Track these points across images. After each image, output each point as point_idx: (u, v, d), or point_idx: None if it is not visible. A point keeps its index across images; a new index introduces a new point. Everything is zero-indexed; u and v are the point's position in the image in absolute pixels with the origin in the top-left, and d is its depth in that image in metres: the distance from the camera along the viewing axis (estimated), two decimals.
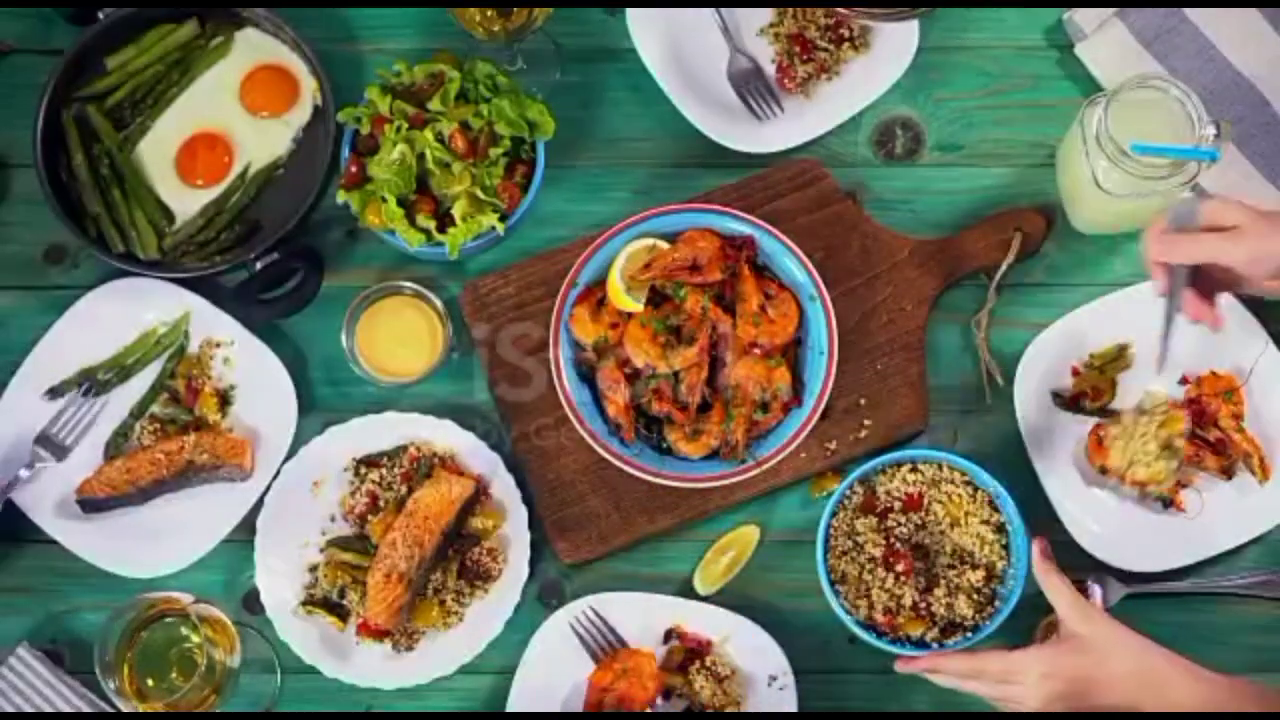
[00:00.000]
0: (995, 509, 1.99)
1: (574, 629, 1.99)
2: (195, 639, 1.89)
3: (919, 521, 1.99)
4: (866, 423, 2.04)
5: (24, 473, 2.03)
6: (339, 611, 2.02)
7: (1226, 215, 1.79)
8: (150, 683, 1.92)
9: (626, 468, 1.99)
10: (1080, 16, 2.13)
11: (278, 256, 2.04)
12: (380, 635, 2.01)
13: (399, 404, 2.07)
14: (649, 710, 1.98)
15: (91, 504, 2.03)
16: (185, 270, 2.07)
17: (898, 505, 1.99)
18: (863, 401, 2.05)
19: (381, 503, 2.04)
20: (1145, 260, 1.82)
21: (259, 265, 2.04)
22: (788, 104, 2.11)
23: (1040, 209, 2.10)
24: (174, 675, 1.92)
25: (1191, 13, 2.09)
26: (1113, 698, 1.77)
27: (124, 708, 1.88)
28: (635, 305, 2.01)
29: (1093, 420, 2.02)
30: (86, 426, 2.06)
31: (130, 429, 2.08)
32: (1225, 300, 2.01)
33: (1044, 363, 2.03)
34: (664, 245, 2.03)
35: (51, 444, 2.05)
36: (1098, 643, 1.79)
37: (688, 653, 1.99)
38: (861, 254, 2.08)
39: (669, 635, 2.00)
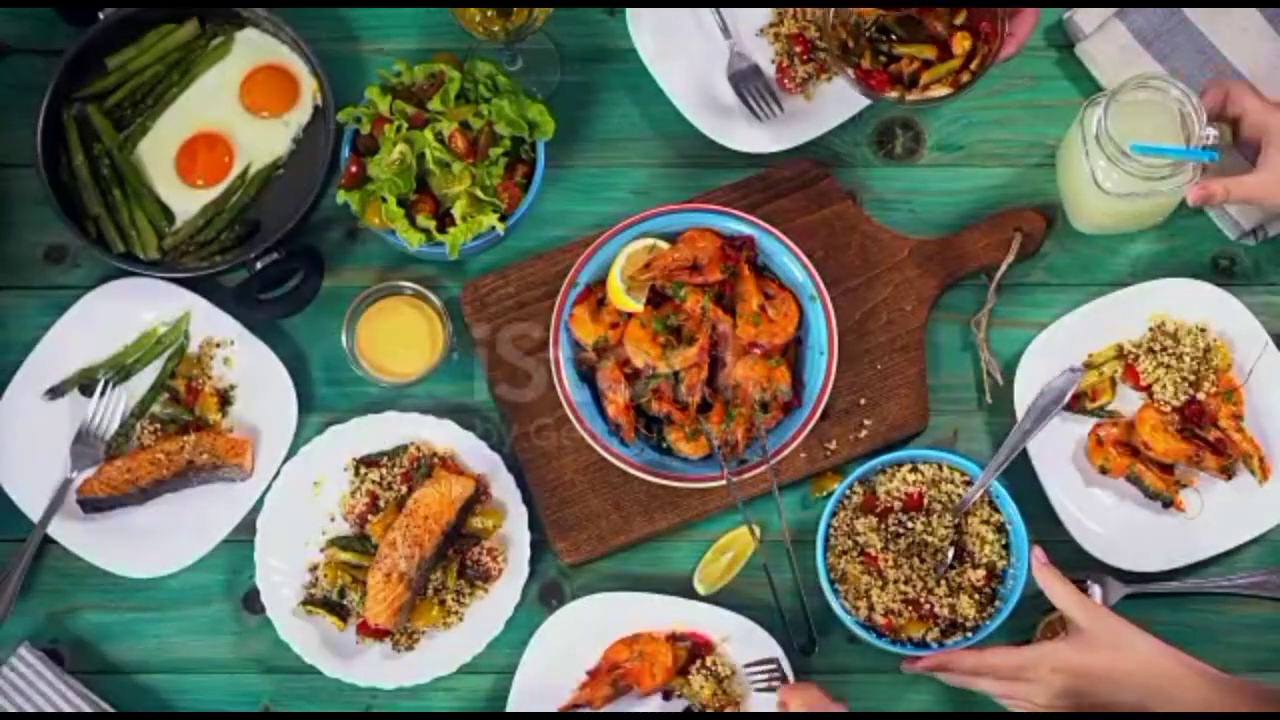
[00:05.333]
0: (995, 509, 1.99)
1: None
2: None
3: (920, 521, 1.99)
4: (866, 423, 2.04)
5: (74, 475, 2.04)
6: (339, 611, 2.02)
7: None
8: None
9: (626, 468, 1.99)
10: (1080, 16, 2.13)
11: (278, 256, 2.04)
12: (380, 635, 2.01)
13: (399, 404, 2.07)
14: (650, 713, 1.99)
15: (91, 504, 2.03)
16: (185, 270, 2.07)
17: (898, 505, 1.99)
18: (863, 401, 2.05)
19: (381, 503, 2.04)
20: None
21: (259, 265, 2.04)
22: (788, 104, 2.11)
23: (1040, 209, 2.10)
24: None
25: (1191, 13, 2.09)
26: (1120, 694, 1.77)
27: None
28: (635, 305, 2.01)
29: (1093, 420, 2.03)
30: (118, 418, 2.07)
31: (130, 429, 2.08)
32: (1221, 302, 2.01)
33: (1044, 363, 2.03)
34: (664, 245, 2.03)
35: (91, 440, 2.05)
36: (1106, 639, 1.79)
37: (688, 653, 1.99)
38: (861, 254, 2.08)
39: (675, 637, 2.00)
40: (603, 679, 1.97)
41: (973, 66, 1.91)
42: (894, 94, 1.93)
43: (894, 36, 1.95)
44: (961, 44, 1.92)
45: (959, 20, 1.93)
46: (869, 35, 1.95)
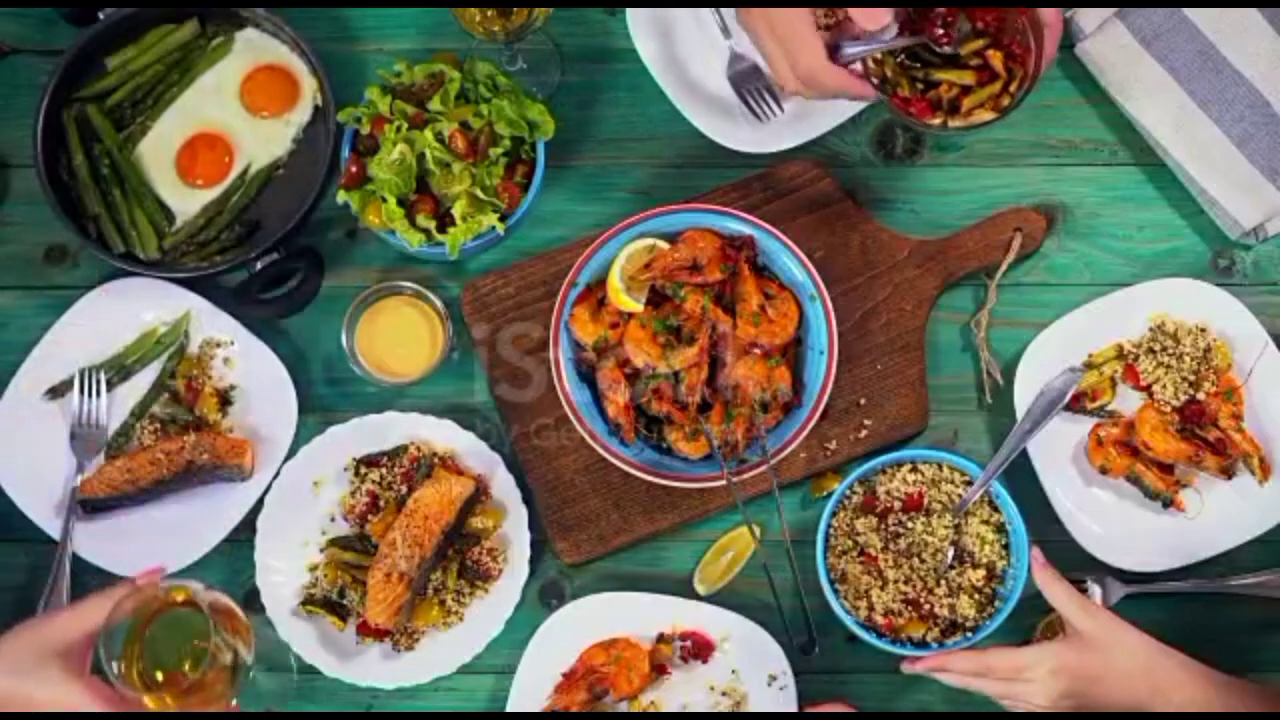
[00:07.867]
0: (995, 509, 1.99)
1: None
2: (205, 628, 1.73)
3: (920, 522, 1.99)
4: (866, 423, 2.04)
5: (78, 476, 2.04)
6: (339, 611, 2.02)
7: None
8: (159, 676, 1.76)
9: (626, 468, 1.99)
10: (1080, 16, 2.13)
11: (278, 256, 2.04)
12: (380, 635, 2.01)
13: (399, 404, 2.07)
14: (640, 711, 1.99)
15: (91, 504, 2.03)
16: (185, 270, 2.07)
17: (898, 505, 1.99)
18: (863, 401, 2.05)
19: (381, 502, 2.04)
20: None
21: (259, 265, 2.04)
22: (788, 104, 2.11)
23: (1040, 209, 2.10)
24: (186, 668, 1.76)
25: (1191, 13, 2.09)
26: (1119, 694, 1.77)
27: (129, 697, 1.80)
28: (635, 305, 2.01)
29: (1093, 420, 2.03)
30: (103, 407, 2.06)
31: (130, 429, 2.08)
32: (1221, 302, 2.02)
33: (1044, 363, 2.03)
34: (664, 245, 2.03)
35: (85, 437, 2.05)
36: (1105, 639, 1.79)
37: (687, 652, 1.99)
38: (861, 254, 2.08)
39: (661, 638, 2.00)
40: (579, 683, 1.97)
41: (1012, 89, 1.89)
42: (936, 121, 1.89)
43: (924, 62, 1.92)
44: (996, 60, 1.89)
45: (978, 45, 1.92)
46: (900, 62, 1.93)
